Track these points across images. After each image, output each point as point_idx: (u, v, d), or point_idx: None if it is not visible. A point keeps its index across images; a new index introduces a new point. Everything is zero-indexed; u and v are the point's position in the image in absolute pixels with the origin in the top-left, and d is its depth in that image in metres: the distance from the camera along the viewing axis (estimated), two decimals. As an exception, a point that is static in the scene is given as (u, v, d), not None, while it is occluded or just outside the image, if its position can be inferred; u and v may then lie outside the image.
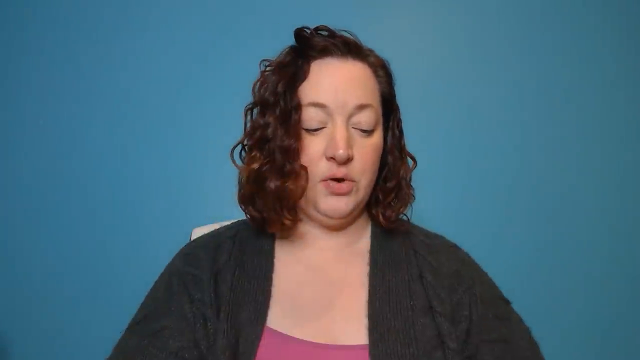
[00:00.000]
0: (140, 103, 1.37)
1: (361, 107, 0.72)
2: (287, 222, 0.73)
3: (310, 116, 0.72)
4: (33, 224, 1.37)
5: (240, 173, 0.77)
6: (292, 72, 0.72)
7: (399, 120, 0.80)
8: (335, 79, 0.72)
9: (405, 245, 0.78)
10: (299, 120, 0.71)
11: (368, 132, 0.74)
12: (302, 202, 0.74)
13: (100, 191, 1.36)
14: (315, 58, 0.74)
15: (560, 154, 1.35)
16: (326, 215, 0.74)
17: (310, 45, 0.74)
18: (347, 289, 0.74)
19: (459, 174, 1.35)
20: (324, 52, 0.73)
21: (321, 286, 0.74)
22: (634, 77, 1.37)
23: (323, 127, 0.72)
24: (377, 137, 0.75)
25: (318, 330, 0.70)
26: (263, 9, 1.37)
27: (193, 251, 0.78)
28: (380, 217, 0.78)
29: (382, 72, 0.77)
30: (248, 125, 0.77)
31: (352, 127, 0.73)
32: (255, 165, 0.72)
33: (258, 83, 0.77)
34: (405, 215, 0.82)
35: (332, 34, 0.76)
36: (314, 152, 0.72)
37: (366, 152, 0.73)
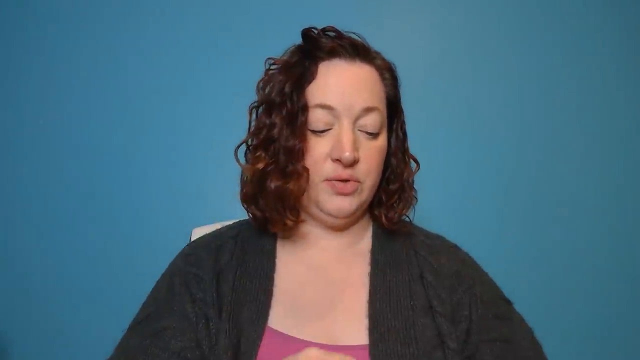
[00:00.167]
0: (140, 103, 1.37)
1: (367, 110, 0.72)
2: (289, 222, 0.73)
3: (316, 118, 0.72)
4: (33, 224, 1.37)
5: (243, 172, 0.77)
6: (300, 72, 0.72)
7: (403, 123, 0.80)
8: (343, 82, 0.72)
9: (406, 246, 0.78)
10: (305, 122, 0.71)
11: (373, 135, 0.74)
12: (305, 202, 0.74)
13: (100, 191, 1.36)
14: (322, 59, 0.73)
15: (560, 154, 1.35)
16: (330, 215, 0.74)
17: (317, 46, 0.73)
18: (348, 289, 0.74)
19: (459, 174, 1.35)
20: (332, 54, 0.73)
21: (322, 286, 0.74)
22: (634, 77, 1.37)
23: (329, 129, 0.72)
24: (382, 140, 0.75)
25: (319, 330, 0.70)
26: (264, 8, 1.37)
27: (195, 251, 0.78)
28: (383, 218, 0.78)
29: (389, 75, 0.77)
30: (252, 123, 0.77)
31: (358, 130, 0.73)
32: (260, 165, 0.72)
33: (263, 82, 0.77)
34: (407, 216, 0.82)
35: (339, 35, 0.75)
36: (319, 153, 0.72)
37: (371, 154, 0.73)
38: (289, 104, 0.71)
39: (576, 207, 1.35)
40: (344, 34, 0.76)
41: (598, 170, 1.35)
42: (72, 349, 1.33)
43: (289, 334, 0.69)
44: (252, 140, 0.76)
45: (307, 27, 0.76)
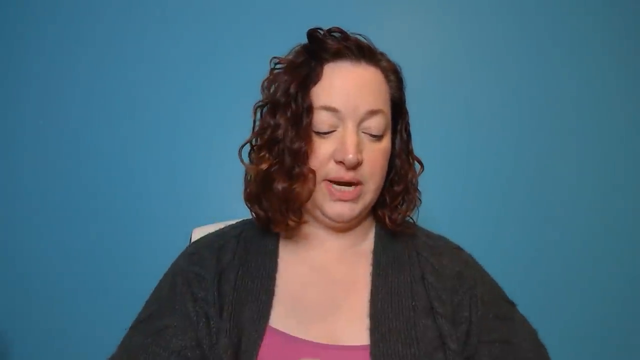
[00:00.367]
0: (141, 103, 1.37)
1: (372, 113, 0.72)
2: (292, 223, 0.73)
3: (321, 119, 0.72)
4: (33, 223, 1.37)
5: (247, 171, 0.77)
6: (305, 73, 0.72)
7: (408, 124, 0.80)
8: (348, 84, 0.72)
9: (408, 247, 0.78)
10: (310, 123, 0.71)
11: (377, 137, 0.74)
12: (308, 204, 0.74)
13: (101, 191, 1.36)
14: (328, 60, 0.73)
15: (560, 154, 1.35)
16: (331, 220, 0.74)
17: (323, 48, 0.73)
18: (349, 289, 0.74)
19: (457, 175, 1.35)
20: (337, 55, 0.73)
21: (324, 286, 0.74)
22: (633, 77, 1.37)
23: (333, 131, 0.72)
24: (386, 142, 0.75)
25: (320, 330, 0.70)
26: (264, 8, 1.37)
27: (197, 251, 0.78)
28: (387, 219, 0.78)
29: (394, 76, 0.77)
30: (257, 123, 0.77)
31: (362, 132, 0.73)
32: (264, 166, 0.72)
33: (267, 81, 0.76)
34: (411, 218, 0.82)
35: (345, 36, 0.75)
36: (323, 154, 0.72)
37: (375, 156, 0.73)
38: (293, 105, 0.71)
39: (577, 207, 1.35)
40: (350, 35, 0.75)
41: (597, 170, 1.35)
42: (72, 349, 1.33)
43: (290, 333, 0.69)
44: (256, 140, 0.76)
45: (313, 27, 0.75)
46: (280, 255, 0.76)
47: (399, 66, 0.79)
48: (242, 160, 0.77)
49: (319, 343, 0.68)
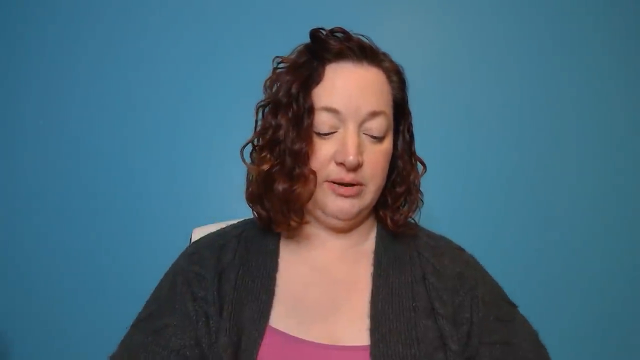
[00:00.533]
0: (141, 103, 1.37)
1: (373, 115, 0.72)
2: (294, 223, 0.73)
3: (322, 120, 0.71)
4: (33, 223, 1.37)
5: (249, 171, 0.77)
6: (307, 74, 0.72)
7: (410, 125, 0.80)
8: (350, 85, 0.72)
9: (410, 247, 0.78)
10: (311, 124, 0.71)
11: (379, 139, 0.73)
12: (310, 204, 0.74)
13: (101, 191, 1.36)
14: (330, 61, 0.73)
15: (559, 154, 1.35)
16: (333, 217, 0.74)
17: (325, 48, 0.73)
18: (350, 289, 0.74)
19: (458, 175, 1.35)
20: (339, 56, 0.73)
21: (325, 287, 0.74)
22: (634, 77, 1.37)
23: (334, 132, 0.72)
24: (388, 143, 0.75)
25: (320, 330, 0.70)
26: (265, 7, 1.37)
27: (198, 250, 0.78)
28: (388, 220, 0.78)
29: (396, 77, 0.77)
30: (259, 122, 0.77)
31: (363, 133, 0.72)
32: (265, 167, 0.72)
33: (270, 80, 0.76)
34: (413, 218, 0.82)
35: (347, 36, 0.75)
36: (324, 155, 0.72)
37: (376, 158, 0.73)
38: (295, 106, 0.71)
39: (578, 208, 1.35)
40: (353, 35, 0.75)
41: (598, 170, 1.35)
42: (72, 349, 1.33)
43: (291, 333, 0.69)
44: (258, 140, 0.76)
45: (315, 27, 0.75)
46: (281, 255, 0.76)
47: (401, 67, 0.78)
48: (243, 160, 0.77)
49: (319, 343, 0.68)
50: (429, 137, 1.30)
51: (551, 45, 1.36)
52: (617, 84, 1.36)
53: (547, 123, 1.35)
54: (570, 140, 1.35)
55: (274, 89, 0.75)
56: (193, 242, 0.83)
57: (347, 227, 0.76)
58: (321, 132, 0.72)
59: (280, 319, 0.70)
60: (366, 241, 0.79)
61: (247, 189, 0.77)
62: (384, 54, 0.77)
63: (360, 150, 0.71)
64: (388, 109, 0.75)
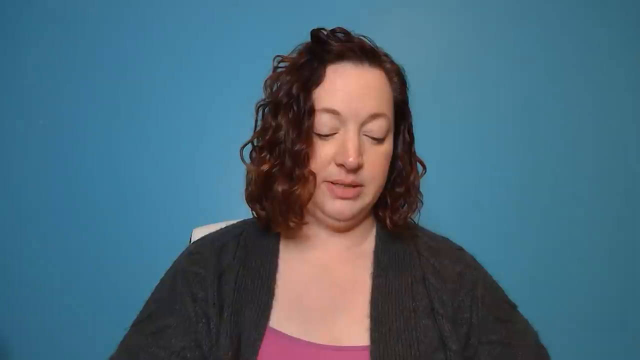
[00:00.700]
0: (141, 103, 1.37)
1: (374, 116, 0.72)
2: (293, 224, 0.73)
3: (322, 122, 0.71)
4: (33, 223, 1.37)
5: (248, 171, 0.77)
6: (307, 74, 0.72)
7: (411, 126, 0.80)
8: (350, 86, 0.72)
9: (410, 247, 0.78)
10: (311, 125, 0.71)
11: (379, 140, 0.73)
12: (309, 205, 0.74)
13: (101, 191, 1.36)
14: (331, 62, 0.73)
15: (560, 155, 1.35)
16: (331, 218, 0.74)
17: (326, 49, 0.73)
18: (350, 289, 0.74)
19: (458, 175, 1.35)
20: (340, 57, 0.72)
21: (325, 287, 0.74)
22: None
23: (334, 133, 0.72)
24: (388, 145, 0.75)
25: (320, 331, 0.70)
26: (265, 7, 1.37)
27: (198, 250, 0.78)
28: (387, 220, 0.77)
29: (397, 78, 0.77)
30: (259, 122, 0.77)
31: (364, 134, 0.72)
32: (265, 167, 0.72)
33: (269, 80, 0.76)
34: (412, 219, 0.82)
35: (349, 37, 0.75)
36: (324, 156, 0.71)
37: (376, 159, 0.73)
38: (295, 107, 0.71)
39: (578, 208, 1.35)
40: (354, 36, 0.75)
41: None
42: (72, 349, 1.33)
43: (290, 334, 0.69)
44: (257, 141, 0.76)
45: (316, 27, 0.75)
46: (281, 255, 0.76)
47: (402, 68, 0.78)
48: (243, 160, 0.77)
49: (318, 344, 0.68)
50: (428, 138, 1.31)
51: (552, 45, 1.36)
52: (629, 83, 1.36)
53: (547, 124, 1.35)
54: (570, 140, 1.35)
55: (274, 89, 0.75)
56: (193, 242, 0.83)
57: (346, 226, 0.76)
58: (321, 133, 0.72)
59: (280, 319, 0.70)
60: (365, 241, 0.79)
61: (247, 189, 0.77)
62: (385, 55, 0.77)
63: (360, 152, 0.71)
64: (389, 111, 0.74)
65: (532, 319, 0.80)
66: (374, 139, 0.73)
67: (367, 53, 0.73)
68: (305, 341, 0.68)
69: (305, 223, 0.75)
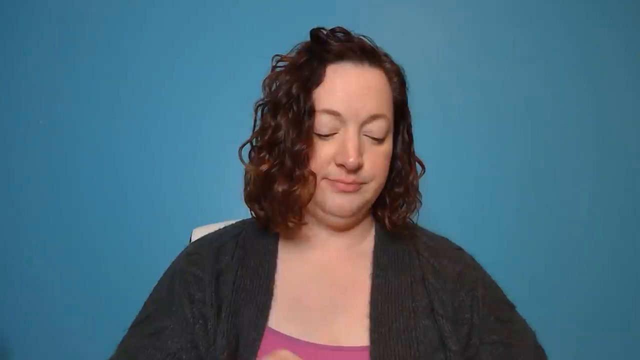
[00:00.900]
0: (141, 103, 1.37)
1: (374, 117, 0.72)
2: (291, 224, 0.73)
3: (323, 122, 0.71)
4: (33, 223, 1.37)
5: (246, 171, 0.77)
6: (307, 74, 0.71)
7: (410, 126, 0.80)
8: (351, 87, 0.71)
9: (409, 247, 0.78)
10: (311, 125, 0.71)
11: (379, 140, 0.73)
12: (310, 204, 0.73)
13: (101, 191, 1.36)
14: (330, 62, 0.72)
15: (560, 155, 1.35)
16: (332, 214, 0.74)
17: (326, 49, 0.72)
18: (349, 290, 0.73)
19: (457, 176, 1.35)
20: (340, 57, 0.72)
21: (324, 287, 0.74)
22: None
23: (334, 133, 0.72)
24: (388, 145, 0.75)
25: (319, 331, 0.69)
26: (265, 6, 1.37)
27: (196, 250, 0.78)
28: (386, 220, 0.77)
29: (397, 79, 0.76)
30: (258, 122, 0.77)
31: (364, 134, 0.72)
32: (264, 167, 0.72)
33: (268, 79, 0.76)
34: (411, 219, 0.82)
35: (348, 37, 0.74)
36: (324, 156, 0.71)
37: (377, 158, 0.73)
38: (295, 107, 0.70)
39: (577, 208, 1.35)
40: (353, 35, 0.75)
41: (597, 171, 1.35)
42: (72, 349, 1.33)
43: (290, 334, 0.69)
44: (256, 140, 0.76)
45: (315, 27, 0.75)
46: (280, 256, 0.76)
47: (402, 68, 0.78)
48: (242, 160, 0.77)
49: (318, 344, 0.68)
50: (428, 137, 1.31)
51: (552, 45, 1.36)
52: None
53: (547, 124, 1.35)
54: (570, 140, 1.35)
55: (272, 88, 0.75)
56: (192, 243, 0.83)
57: (346, 225, 0.76)
58: (321, 133, 0.71)
59: (279, 320, 0.70)
60: (365, 241, 0.79)
61: (245, 188, 0.77)
62: (385, 55, 0.77)
63: (360, 152, 0.71)
64: (388, 111, 0.74)
65: (533, 319, 0.80)
66: (374, 139, 0.73)
67: (367, 53, 0.73)
68: (304, 341, 0.68)
69: (305, 223, 0.75)
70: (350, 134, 0.71)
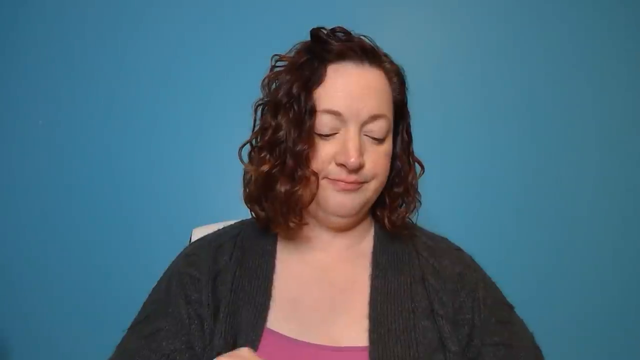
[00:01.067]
0: (140, 103, 1.37)
1: (375, 117, 0.72)
2: (293, 225, 0.73)
3: (323, 122, 0.71)
4: (33, 223, 1.37)
5: (246, 172, 0.76)
6: (308, 74, 0.71)
7: (409, 126, 0.80)
8: (351, 87, 0.71)
9: (408, 248, 0.78)
10: (312, 125, 0.70)
11: (379, 140, 0.73)
12: (311, 205, 0.73)
13: (101, 191, 1.36)
14: (331, 61, 0.72)
15: (559, 155, 1.35)
16: (333, 213, 0.73)
17: (326, 48, 0.72)
18: (348, 290, 0.73)
19: (457, 176, 1.34)
20: (341, 57, 0.72)
21: (323, 287, 0.74)
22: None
23: (335, 133, 0.72)
24: (388, 144, 0.75)
25: (318, 332, 0.69)
26: (265, 6, 1.37)
27: (194, 251, 0.78)
28: (386, 220, 0.77)
29: (397, 79, 0.77)
30: (258, 122, 0.76)
31: (364, 134, 0.72)
32: (265, 168, 0.72)
33: (268, 79, 0.76)
34: (411, 219, 0.82)
35: (349, 37, 0.74)
36: (325, 156, 0.71)
37: (377, 158, 0.73)
38: (296, 107, 0.70)
39: (577, 208, 1.34)
40: (354, 35, 0.75)
41: (597, 171, 1.34)
42: (72, 349, 1.33)
43: (289, 335, 0.69)
44: (256, 141, 0.75)
45: (316, 27, 0.74)
46: (278, 256, 0.76)
47: (402, 68, 0.78)
48: (241, 160, 0.76)
49: (317, 344, 0.68)
50: (428, 138, 1.31)
51: (553, 45, 1.35)
52: (629, 83, 1.35)
53: (548, 124, 1.35)
54: (571, 140, 1.35)
55: (272, 88, 0.75)
56: (191, 243, 0.83)
57: (347, 225, 0.76)
58: (322, 133, 0.71)
59: (277, 320, 0.70)
60: (364, 241, 0.79)
61: (245, 189, 0.77)
62: (385, 55, 0.77)
63: (361, 152, 0.71)
64: (389, 111, 0.74)
65: (533, 319, 0.80)
66: (374, 139, 0.73)
67: (367, 53, 0.73)
68: (303, 342, 0.68)
69: (305, 224, 0.75)
70: (351, 133, 0.71)
